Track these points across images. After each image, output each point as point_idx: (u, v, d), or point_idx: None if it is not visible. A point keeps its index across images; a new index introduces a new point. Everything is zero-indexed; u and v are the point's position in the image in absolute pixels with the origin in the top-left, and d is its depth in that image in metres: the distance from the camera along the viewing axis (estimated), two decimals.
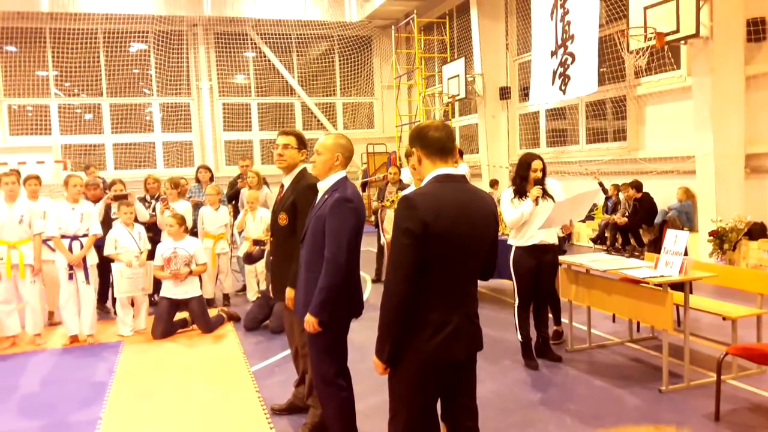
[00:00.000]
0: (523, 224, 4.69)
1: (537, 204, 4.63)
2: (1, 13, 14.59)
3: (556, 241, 4.84)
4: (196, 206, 7.59)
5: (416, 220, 2.27)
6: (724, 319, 4.77)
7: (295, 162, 3.73)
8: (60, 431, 3.92)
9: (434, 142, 2.44)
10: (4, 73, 15.39)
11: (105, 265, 6.27)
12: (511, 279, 6.17)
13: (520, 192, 4.73)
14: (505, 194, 4.90)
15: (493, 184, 13.37)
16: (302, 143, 3.76)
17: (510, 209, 4.74)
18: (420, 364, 2.36)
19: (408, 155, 2.88)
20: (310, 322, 3.04)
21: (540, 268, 4.75)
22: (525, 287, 4.78)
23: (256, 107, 17.42)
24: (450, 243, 2.32)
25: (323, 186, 3.22)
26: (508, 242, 4.87)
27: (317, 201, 3.25)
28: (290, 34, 17.19)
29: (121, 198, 6.44)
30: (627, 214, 10.08)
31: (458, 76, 13.84)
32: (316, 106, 17.71)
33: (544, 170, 4.74)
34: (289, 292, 3.51)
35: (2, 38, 15.27)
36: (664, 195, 9.98)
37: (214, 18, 16.30)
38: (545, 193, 4.70)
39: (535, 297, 4.88)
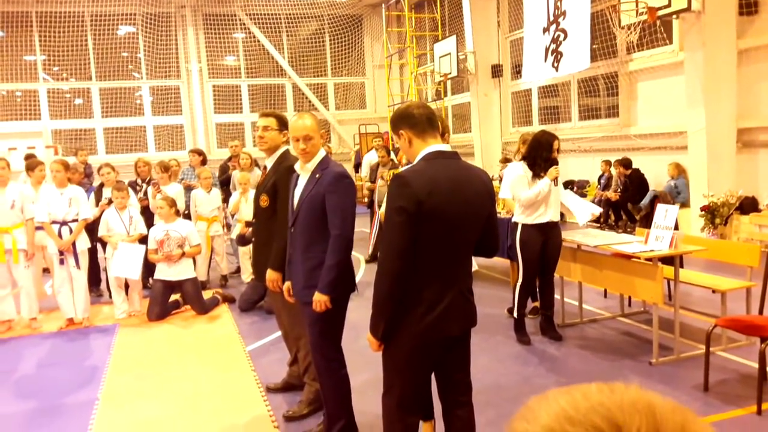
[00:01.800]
0: (536, 202, 4.66)
1: (556, 184, 4.63)
2: None
3: (558, 218, 4.84)
4: (188, 189, 7.57)
5: (409, 197, 2.26)
6: (713, 292, 4.83)
7: (276, 144, 3.70)
8: (57, 413, 3.95)
9: (421, 117, 2.44)
10: None
11: (95, 249, 6.28)
12: (504, 256, 6.22)
13: (538, 172, 4.64)
14: (511, 170, 4.85)
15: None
16: (283, 124, 3.72)
17: (522, 187, 4.68)
18: (413, 342, 2.38)
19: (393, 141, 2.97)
20: (321, 300, 2.99)
21: (546, 245, 4.74)
22: (531, 265, 4.76)
23: (246, 89, 17.28)
24: (444, 220, 2.32)
25: (311, 166, 3.19)
26: (514, 220, 4.87)
27: (302, 182, 3.21)
28: (280, 14, 17.00)
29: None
30: (619, 190, 10.13)
31: (450, 54, 13.75)
32: (307, 86, 17.58)
33: (559, 148, 4.75)
34: (270, 274, 3.49)
35: None
36: (657, 171, 10.01)
37: None
38: None
39: (540, 275, 4.89)
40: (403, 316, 2.35)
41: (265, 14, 16.82)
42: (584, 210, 5.18)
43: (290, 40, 17.53)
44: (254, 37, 17.05)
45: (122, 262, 5.97)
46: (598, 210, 5.20)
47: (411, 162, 2.50)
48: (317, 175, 3.13)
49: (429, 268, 2.34)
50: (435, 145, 2.42)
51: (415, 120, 2.45)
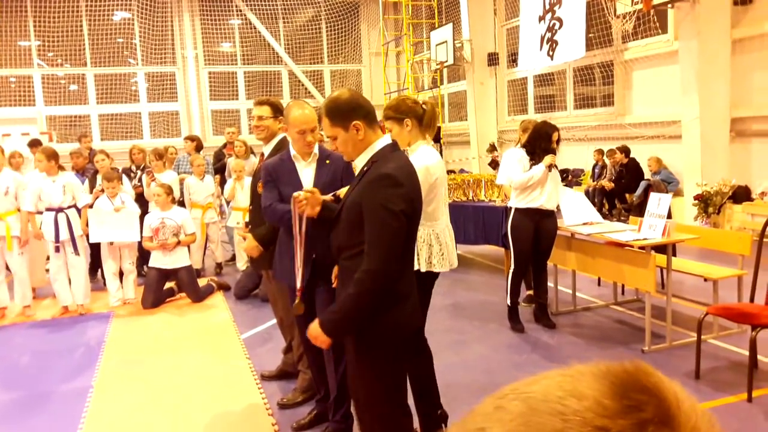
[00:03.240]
0: (528, 187, 4.68)
1: (550, 171, 4.65)
2: None
3: (555, 208, 4.84)
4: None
5: (405, 199, 2.20)
6: (705, 280, 4.86)
7: (273, 131, 3.70)
8: (51, 400, 3.97)
9: (370, 107, 2.37)
10: None
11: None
12: (499, 244, 6.25)
13: (536, 161, 4.67)
14: (510, 155, 4.86)
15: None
16: (278, 111, 3.71)
17: (517, 171, 4.71)
18: (400, 334, 2.34)
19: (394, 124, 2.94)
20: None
21: (538, 233, 4.76)
22: (522, 252, 4.78)
23: (242, 76, 17.18)
24: (417, 213, 2.32)
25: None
26: (509, 204, 4.89)
27: (309, 171, 3.21)
28: (276, 1, 16.87)
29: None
30: (613, 179, 10.15)
31: (446, 42, 13.69)
32: (303, 74, 17.50)
33: (558, 139, 4.76)
34: (251, 242, 3.48)
35: None
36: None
37: None
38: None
39: (533, 263, 4.91)
40: (386, 312, 2.27)
41: (261, 1, 16.70)
42: (577, 213, 5.14)
43: (286, 27, 17.41)
44: (250, 23, 16.93)
45: (117, 227, 5.92)
46: (593, 219, 5.12)
47: (351, 159, 2.37)
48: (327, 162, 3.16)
49: (403, 261, 2.29)
50: (386, 137, 2.38)
51: (366, 109, 2.33)
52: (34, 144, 8.98)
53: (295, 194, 2.56)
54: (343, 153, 2.40)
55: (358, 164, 2.35)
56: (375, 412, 2.42)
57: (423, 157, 3.05)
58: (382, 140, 2.34)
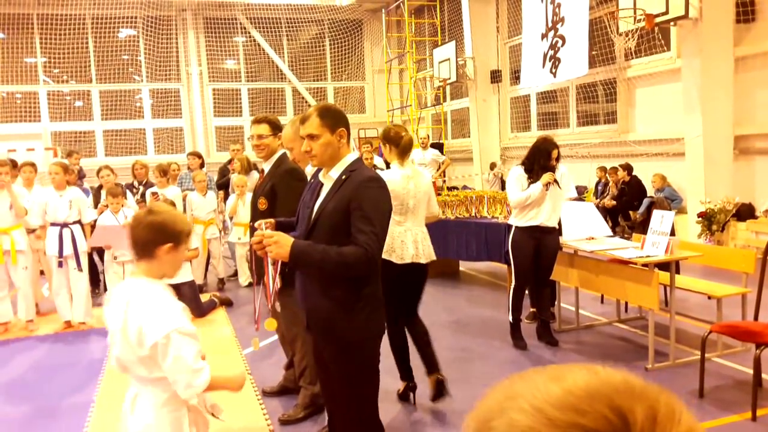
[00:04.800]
0: (527, 205, 4.68)
1: (547, 190, 4.64)
2: None
3: (556, 225, 4.81)
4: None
5: (390, 201, 2.50)
6: (709, 298, 4.83)
7: (273, 149, 3.74)
8: (53, 415, 3.95)
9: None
10: None
11: (98, 251, 6.27)
12: (501, 261, 6.23)
13: (534, 178, 4.67)
14: (512, 172, 4.86)
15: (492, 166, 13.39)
16: (276, 128, 3.75)
17: (516, 189, 4.71)
18: (379, 337, 2.54)
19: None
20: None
21: (539, 250, 4.74)
22: (522, 269, 4.77)
23: (246, 92, 17.30)
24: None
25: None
26: (509, 221, 4.89)
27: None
28: (280, 19, 17.04)
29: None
30: (615, 196, 10.15)
31: (449, 59, 13.79)
32: (307, 90, 17.62)
33: (558, 156, 4.74)
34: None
35: None
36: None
37: (203, 2, 16.13)
38: (554, 179, 4.67)
39: (533, 279, 4.90)
40: (370, 315, 2.44)
41: (265, 18, 16.87)
42: (582, 226, 5.10)
43: (290, 44, 17.58)
44: (254, 40, 17.09)
45: (120, 242, 5.91)
46: (601, 233, 5.09)
47: (321, 164, 2.51)
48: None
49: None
50: (355, 152, 2.56)
51: (349, 125, 2.54)
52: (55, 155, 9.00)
53: (257, 233, 2.44)
54: (316, 155, 2.44)
55: (333, 174, 2.46)
56: (355, 418, 2.57)
57: (388, 174, 3.81)
58: (352, 155, 2.50)
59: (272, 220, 2.65)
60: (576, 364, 0.53)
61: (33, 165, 6.29)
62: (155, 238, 2.01)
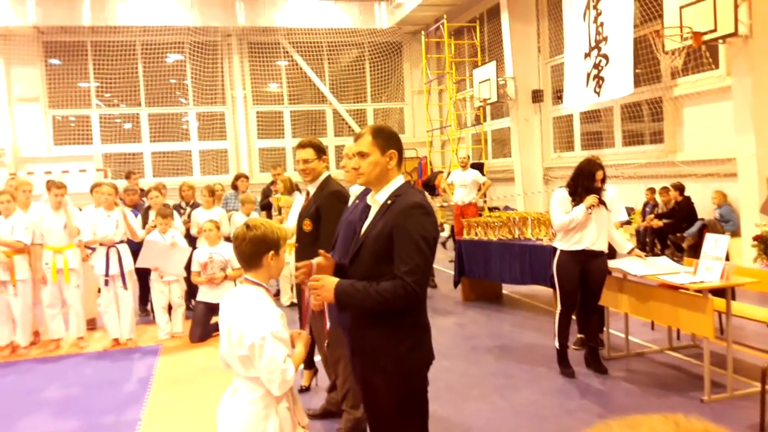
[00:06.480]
0: (571, 229, 4.57)
1: (590, 212, 4.52)
2: (45, 27, 15.11)
3: (605, 248, 4.65)
4: None
5: (435, 228, 2.40)
6: None
7: (319, 172, 3.82)
8: None
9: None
10: (49, 85, 15.90)
11: (145, 270, 6.40)
12: (546, 285, 6.10)
13: (578, 200, 4.56)
14: (555, 195, 4.75)
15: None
16: (321, 151, 3.83)
17: (559, 212, 4.61)
18: (427, 368, 2.44)
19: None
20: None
21: (586, 274, 4.61)
22: (567, 293, 4.65)
23: (288, 115, 17.61)
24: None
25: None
26: (554, 244, 4.79)
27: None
28: (321, 42, 17.35)
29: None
30: (664, 215, 9.86)
31: (489, 79, 13.76)
32: (347, 112, 17.82)
33: (604, 178, 4.62)
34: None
35: (47, 52, 15.80)
36: (705, 199, 9.72)
37: (247, 28, 16.56)
38: (600, 201, 4.55)
39: (580, 304, 4.76)
40: (414, 346, 2.37)
41: (307, 42, 17.20)
42: (643, 267, 4.90)
43: (331, 67, 17.85)
44: (296, 64, 17.43)
45: (167, 261, 6.08)
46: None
47: (367, 183, 2.46)
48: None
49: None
50: (401, 177, 2.49)
51: (402, 149, 2.50)
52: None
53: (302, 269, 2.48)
54: (363, 173, 2.42)
55: (379, 198, 2.42)
56: None
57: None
58: (400, 178, 2.47)
59: (328, 256, 2.57)
60: (655, 415, 0.50)
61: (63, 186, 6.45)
62: (259, 250, 2.29)
